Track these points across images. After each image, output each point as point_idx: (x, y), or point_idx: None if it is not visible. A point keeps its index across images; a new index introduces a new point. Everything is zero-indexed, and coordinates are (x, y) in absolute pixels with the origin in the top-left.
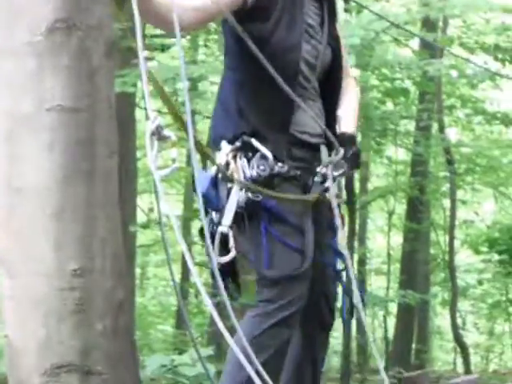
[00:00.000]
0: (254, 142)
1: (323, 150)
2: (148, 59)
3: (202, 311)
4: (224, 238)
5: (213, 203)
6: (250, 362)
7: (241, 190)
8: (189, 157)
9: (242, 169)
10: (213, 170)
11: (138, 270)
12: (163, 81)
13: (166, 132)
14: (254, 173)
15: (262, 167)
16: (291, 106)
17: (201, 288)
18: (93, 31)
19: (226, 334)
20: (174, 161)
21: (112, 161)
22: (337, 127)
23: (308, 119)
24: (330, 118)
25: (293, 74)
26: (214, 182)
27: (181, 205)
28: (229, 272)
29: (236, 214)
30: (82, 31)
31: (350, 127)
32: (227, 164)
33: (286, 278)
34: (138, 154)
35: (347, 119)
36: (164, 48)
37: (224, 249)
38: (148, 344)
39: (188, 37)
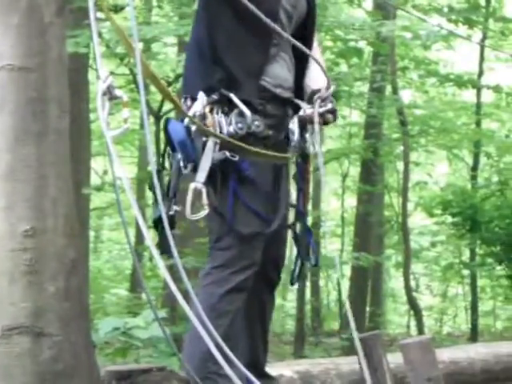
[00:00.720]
0: (233, 97)
1: (300, 102)
2: (100, 20)
3: (156, 275)
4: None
5: (189, 153)
6: (209, 334)
7: (215, 145)
8: (141, 118)
9: (219, 124)
10: (186, 120)
11: (91, 233)
12: (115, 42)
13: (118, 92)
14: (231, 129)
15: (239, 125)
16: (266, 54)
17: (154, 251)
18: None
19: (179, 296)
20: (125, 121)
21: (63, 121)
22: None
23: (282, 72)
24: (300, 71)
25: (272, 20)
26: (188, 132)
27: (135, 167)
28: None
29: (210, 170)
30: None
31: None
32: (204, 117)
33: (247, 237)
34: (92, 116)
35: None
36: (117, 9)
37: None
38: (102, 307)
39: None
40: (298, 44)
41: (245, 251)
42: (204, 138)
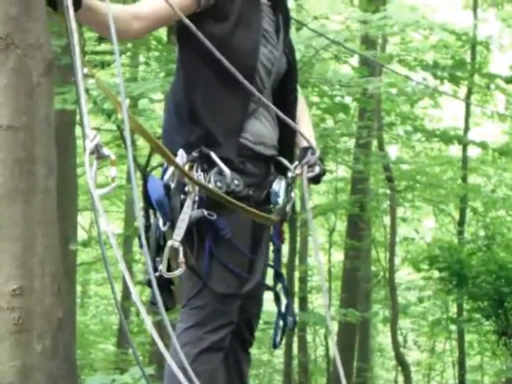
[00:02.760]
0: (213, 156)
1: (284, 161)
2: (87, 76)
3: (143, 330)
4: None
5: (166, 212)
6: None
7: (193, 203)
8: (128, 173)
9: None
10: (165, 177)
11: (78, 288)
12: (102, 98)
13: (106, 150)
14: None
15: (219, 184)
16: (244, 111)
17: (140, 308)
18: (31, 49)
19: (166, 354)
20: (113, 180)
21: (51, 179)
22: (299, 140)
23: (263, 128)
24: (283, 128)
25: (250, 75)
26: (167, 190)
27: (121, 222)
28: (166, 284)
29: (187, 228)
30: (20, 49)
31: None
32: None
33: (222, 296)
34: (79, 171)
35: (308, 133)
36: (104, 65)
37: (168, 262)
38: (89, 363)
39: (128, 53)
40: (280, 113)
41: (220, 310)
42: (182, 196)
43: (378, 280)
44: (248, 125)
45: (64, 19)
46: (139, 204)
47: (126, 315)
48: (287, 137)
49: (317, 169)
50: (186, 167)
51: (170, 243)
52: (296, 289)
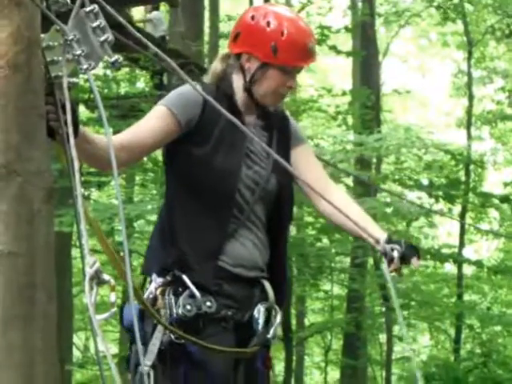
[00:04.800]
0: (185, 279)
1: (267, 285)
2: (85, 198)
3: None
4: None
5: (138, 337)
6: None
7: (165, 328)
8: (124, 293)
9: (169, 306)
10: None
11: None
12: (100, 221)
13: (105, 276)
14: (180, 312)
15: (188, 307)
16: (223, 234)
17: None
18: (32, 177)
19: None
20: (112, 305)
21: (51, 305)
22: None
23: (243, 250)
24: (276, 249)
25: (230, 196)
26: (142, 315)
27: (116, 341)
28: None
29: (160, 352)
30: (21, 177)
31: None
32: (155, 299)
33: None
34: (74, 290)
35: (372, 224)
36: (100, 185)
37: None
38: None
39: (124, 175)
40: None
41: None
42: (155, 321)
43: None
44: (227, 246)
45: (62, 147)
46: (137, 324)
47: None
48: (277, 257)
49: (395, 255)
50: (158, 291)
51: (139, 369)
52: None
